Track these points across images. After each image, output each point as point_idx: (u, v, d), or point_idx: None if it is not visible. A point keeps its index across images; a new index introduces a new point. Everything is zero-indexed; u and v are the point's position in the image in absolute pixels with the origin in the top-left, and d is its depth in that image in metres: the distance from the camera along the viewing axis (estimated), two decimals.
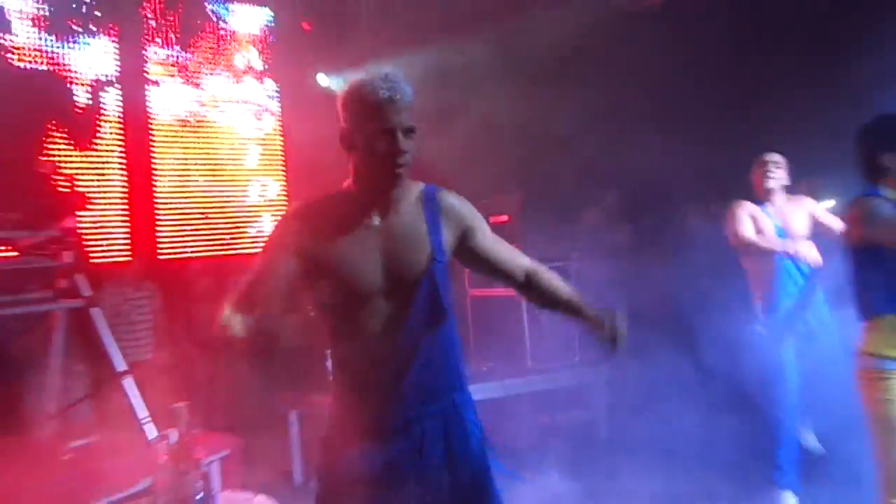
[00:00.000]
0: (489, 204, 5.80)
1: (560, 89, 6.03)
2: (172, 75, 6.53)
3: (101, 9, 6.03)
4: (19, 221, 4.35)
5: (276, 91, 7.21)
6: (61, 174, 5.48)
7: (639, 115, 5.68)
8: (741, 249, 4.17)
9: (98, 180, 5.97)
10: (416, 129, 1.90)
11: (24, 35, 5.60)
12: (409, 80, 1.93)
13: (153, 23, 6.39)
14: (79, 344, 4.63)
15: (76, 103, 5.84)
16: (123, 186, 6.15)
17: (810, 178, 4.41)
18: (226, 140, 6.88)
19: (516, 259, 2.12)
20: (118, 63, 6.14)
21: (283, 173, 7.22)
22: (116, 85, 6.13)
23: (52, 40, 5.74)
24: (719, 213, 4.27)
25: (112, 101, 6.11)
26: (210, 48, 6.78)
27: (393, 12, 7.01)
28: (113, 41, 6.12)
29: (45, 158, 5.46)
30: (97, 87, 6.00)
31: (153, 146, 6.39)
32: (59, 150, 5.70)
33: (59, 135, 5.71)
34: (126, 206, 6.16)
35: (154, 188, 6.37)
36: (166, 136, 6.50)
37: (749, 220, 4.06)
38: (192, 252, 6.51)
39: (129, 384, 4.21)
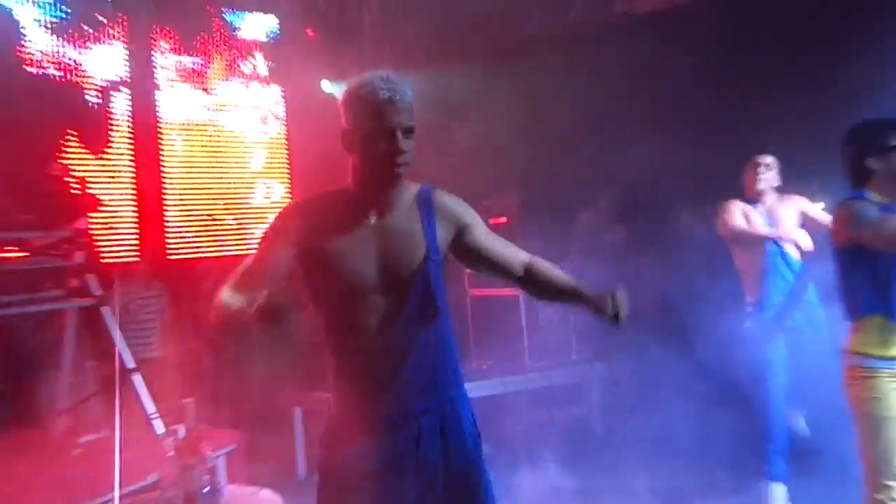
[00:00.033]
0: (488, 206, 5.80)
1: (558, 93, 6.04)
2: (181, 80, 6.54)
3: (112, 15, 6.04)
4: (32, 222, 4.36)
5: (281, 96, 7.22)
6: (73, 177, 5.49)
7: (636, 118, 5.68)
8: (732, 243, 4.18)
9: (108, 183, 5.97)
10: (415, 130, 1.89)
11: (40, 41, 5.61)
12: (411, 84, 1.93)
13: (163, 29, 6.40)
14: (89, 341, 4.64)
15: (89, 108, 5.85)
16: (133, 189, 6.16)
17: (802, 181, 4.41)
18: (232, 144, 6.89)
19: (513, 254, 2.11)
20: (129, 68, 6.15)
21: (288, 176, 7.23)
22: (127, 90, 6.14)
23: (66, 46, 5.74)
24: (713, 213, 4.27)
25: (122, 105, 6.12)
26: (218, 54, 6.79)
27: (395, 20, 7.02)
28: (124, 47, 6.12)
29: (58, 162, 5.46)
30: (108, 92, 6.01)
31: (162, 150, 6.39)
32: (71, 153, 5.70)
33: (72, 139, 5.71)
34: (135, 208, 6.16)
35: (163, 190, 6.38)
36: (175, 140, 6.51)
37: (740, 215, 4.08)
38: (199, 252, 6.52)
39: (137, 381, 4.23)
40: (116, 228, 6.00)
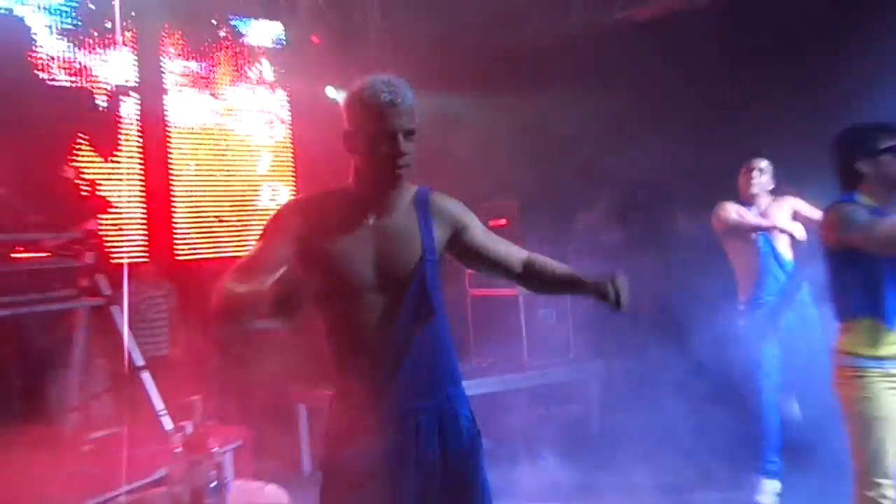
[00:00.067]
0: (489, 208, 5.81)
1: (559, 96, 6.04)
2: (189, 85, 6.55)
3: (121, 21, 6.04)
4: (44, 224, 4.36)
5: (287, 100, 7.22)
6: (83, 180, 5.50)
7: (634, 121, 5.68)
8: (726, 241, 4.18)
9: (118, 185, 5.97)
10: (416, 132, 1.89)
11: (51, 47, 5.62)
12: (413, 86, 1.93)
13: (172, 34, 6.40)
14: (99, 340, 4.65)
15: (99, 113, 5.86)
16: (142, 191, 6.16)
17: (799, 183, 4.41)
18: (239, 147, 6.89)
19: (512, 251, 2.10)
20: (137, 73, 6.15)
21: (293, 179, 7.24)
22: (136, 94, 6.14)
23: (77, 52, 5.75)
24: (710, 214, 4.28)
25: (131, 110, 6.13)
26: (226, 60, 6.79)
27: (398, 26, 7.02)
28: (133, 52, 6.13)
29: (69, 165, 5.47)
30: (118, 96, 6.01)
31: (170, 153, 6.40)
32: (81, 156, 5.71)
33: (82, 143, 5.72)
34: (144, 210, 6.17)
35: (171, 192, 6.38)
36: (183, 144, 6.51)
37: (735, 213, 4.09)
38: (206, 253, 6.52)
39: (146, 378, 4.23)
40: (125, 229, 6.00)
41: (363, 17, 7.04)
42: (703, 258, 4.57)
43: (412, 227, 1.95)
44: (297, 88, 7.12)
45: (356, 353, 1.94)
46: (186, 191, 6.50)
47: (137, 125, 6.15)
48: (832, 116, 3.08)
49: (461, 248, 2.05)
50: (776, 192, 4.15)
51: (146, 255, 6.08)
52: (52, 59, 5.63)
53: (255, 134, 7.00)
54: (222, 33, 6.74)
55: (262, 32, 7.01)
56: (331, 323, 1.97)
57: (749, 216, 4.06)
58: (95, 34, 5.86)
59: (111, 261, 5.44)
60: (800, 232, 3.96)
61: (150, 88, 6.22)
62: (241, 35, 6.86)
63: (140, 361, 4.27)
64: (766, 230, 4.01)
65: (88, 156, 5.76)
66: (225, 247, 6.64)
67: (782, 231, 3.98)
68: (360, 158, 1.92)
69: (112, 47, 5.98)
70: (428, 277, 1.93)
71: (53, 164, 5.30)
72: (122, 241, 5.93)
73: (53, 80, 5.61)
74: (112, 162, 5.93)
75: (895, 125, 2.76)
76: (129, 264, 5.76)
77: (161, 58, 6.34)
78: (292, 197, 7.04)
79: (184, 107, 6.49)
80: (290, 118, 7.23)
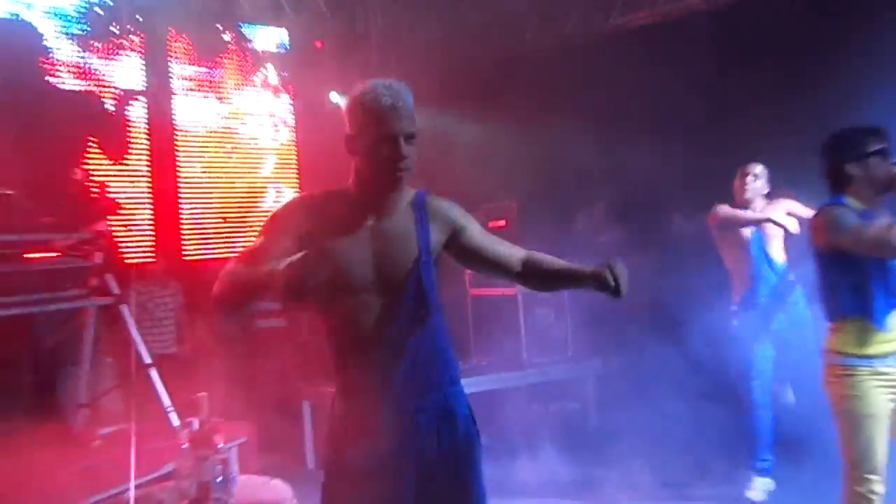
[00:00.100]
0: (488, 209, 5.82)
1: (557, 100, 6.05)
2: (196, 89, 6.56)
3: (131, 27, 6.06)
4: (54, 225, 4.37)
5: (291, 104, 7.23)
6: (93, 181, 5.51)
7: (631, 125, 5.69)
8: (721, 243, 4.17)
9: (127, 187, 5.99)
10: (416, 136, 1.88)
11: (62, 53, 5.63)
12: (414, 90, 1.93)
13: (179, 40, 6.42)
14: (108, 338, 4.65)
15: (109, 117, 5.88)
16: (150, 192, 6.17)
17: (792, 186, 4.41)
18: (244, 150, 6.91)
19: (510, 250, 2.07)
20: (146, 78, 6.17)
21: (297, 181, 7.25)
22: (144, 99, 6.16)
23: (88, 57, 5.76)
24: (704, 216, 4.28)
25: (140, 113, 6.14)
26: (232, 65, 6.80)
27: (399, 32, 7.03)
28: (141, 58, 6.14)
29: (79, 167, 5.48)
30: (127, 101, 6.03)
31: (178, 156, 6.41)
32: (92, 159, 5.72)
33: (92, 146, 5.73)
34: (152, 211, 6.18)
35: (178, 194, 6.39)
36: (190, 147, 6.52)
37: (729, 209, 4.09)
38: (212, 253, 6.53)
39: (154, 376, 4.23)
40: (134, 230, 6.01)
41: (365, 23, 7.05)
42: (699, 259, 4.57)
43: (410, 229, 1.94)
44: (302, 92, 7.13)
45: (355, 352, 1.93)
46: (193, 192, 6.51)
47: (146, 128, 6.16)
48: (826, 120, 3.08)
49: (459, 248, 2.04)
50: (772, 196, 4.14)
51: (154, 255, 6.09)
52: (63, 64, 5.64)
53: (260, 137, 7.01)
54: (228, 38, 6.75)
55: (268, 38, 7.02)
56: (330, 322, 1.96)
57: (742, 212, 4.06)
58: (104, 39, 5.87)
59: (120, 261, 5.45)
60: (793, 226, 3.93)
61: (158, 92, 6.24)
62: (247, 40, 6.87)
63: (148, 359, 4.27)
64: (761, 223, 4.00)
65: (98, 158, 5.77)
66: (231, 247, 6.65)
67: (776, 224, 3.97)
68: (360, 161, 1.91)
69: (121, 52, 6.00)
70: (424, 278, 1.92)
71: (64, 167, 5.31)
72: (130, 241, 5.94)
73: (64, 84, 5.62)
74: (121, 164, 5.94)
75: (883, 128, 2.76)
76: (138, 264, 5.79)
77: (169, 62, 6.35)
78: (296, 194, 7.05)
79: (191, 110, 6.50)
80: (294, 121, 7.24)
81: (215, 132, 6.68)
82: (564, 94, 6.02)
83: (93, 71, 5.82)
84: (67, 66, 5.67)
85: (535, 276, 2.07)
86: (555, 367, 5.58)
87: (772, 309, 4.01)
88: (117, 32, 5.94)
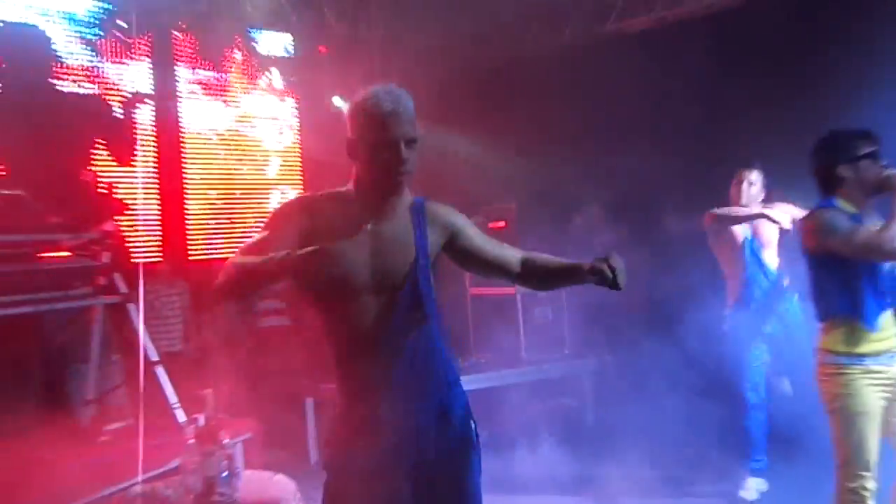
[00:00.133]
0: (488, 211, 5.82)
1: (555, 104, 6.05)
2: (202, 93, 6.55)
3: (140, 32, 6.05)
4: (63, 225, 4.37)
5: (295, 107, 7.23)
6: (102, 183, 5.51)
7: (627, 129, 5.69)
8: (715, 247, 4.16)
9: (134, 188, 5.99)
10: (417, 141, 1.88)
11: (71, 57, 5.63)
12: (414, 94, 1.92)
13: (186, 44, 6.41)
14: (115, 336, 4.64)
15: (116, 120, 5.87)
16: (157, 194, 6.17)
17: (785, 189, 4.39)
18: (250, 152, 6.91)
19: (508, 252, 2.07)
20: (153, 82, 6.16)
21: (301, 183, 7.24)
22: (151, 102, 6.15)
23: (96, 61, 5.76)
24: (699, 216, 4.27)
25: (147, 116, 6.13)
26: (238, 69, 6.80)
27: (401, 37, 7.03)
28: (149, 62, 6.14)
29: (88, 169, 5.48)
30: (134, 104, 6.02)
31: (184, 158, 6.41)
32: (100, 161, 5.72)
33: (101, 148, 5.73)
34: (159, 212, 6.18)
35: (184, 195, 6.39)
36: (196, 149, 6.52)
37: (723, 208, 4.08)
38: (218, 253, 6.53)
39: (160, 373, 4.23)
40: (142, 230, 6.01)
41: (368, 29, 7.05)
42: (694, 258, 4.57)
43: (407, 233, 1.93)
44: (306, 96, 7.13)
45: (353, 352, 1.92)
46: (199, 193, 6.51)
47: (153, 131, 6.16)
48: (821, 124, 3.06)
49: (457, 251, 2.03)
50: (768, 200, 4.11)
51: (161, 254, 6.08)
52: (73, 67, 5.64)
53: (265, 140, 7.01)
54: (234, 43, 6.75)
55: (273, 43, 7.02)
56: (328, 322, 1.95)
57: (736, 209, 4.04)
58: (113, 44, 5.87)
59: (128, 260, 5.44)
60: (787, 222, 3.91)
61: (165, 96, 6.24)
62: (253, 45, 6.87)
63: (155, 356, 4.27)
64: (754, 220, 3.98)
65: (106, 160, 5.77)
66: (235, 247, 6.64)
67: (770, 219, 3.95)
68: (362, 166, 1.91)
69: (129, 56, 6.00)
70: (421, 281, 1.92)
71: (73, 168, 5.30)
72: (138, 241, 5.94)
73: (73, 88, 5.62)
74: (128, 166, 5.94)
75: (874, 132, 2.75)
76: (145, 264, 5.78)
77: (175, 66, 6.35)
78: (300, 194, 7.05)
79: (197, 113, 6.50)
80: (298, 124, 7.23)
81: (221, 135, 6.68)
82: (563, 98, 6.02)
83: (102, 74, 5.82)
84: (77, 69, 5.67)
85: (533, 276, 2.07)
86: (553, 364, 5.58)
87: (765, 311, 4.00)
88: (126, 37, 5.93)
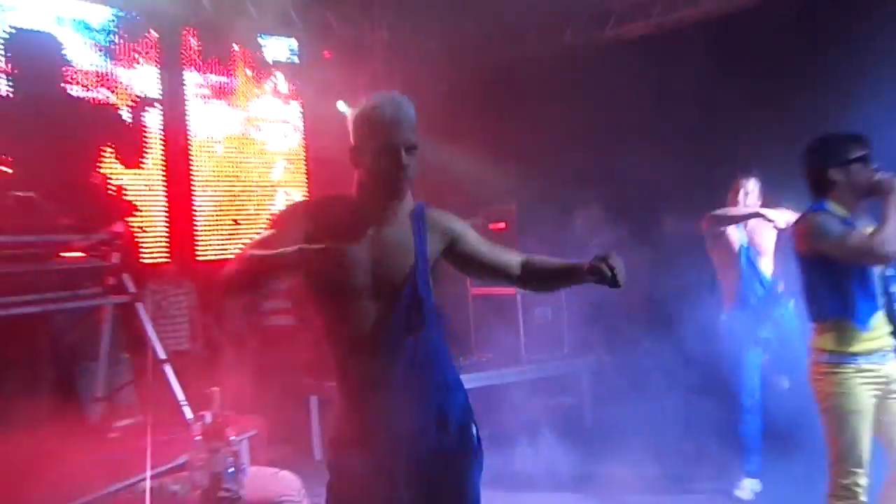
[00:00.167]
0: (489, 212, 5.83)
1: (554, 108, 6.05)
2: (209, 97, 6.57)
3: (148, 37, 6.07)
4: (74, 226, 4.38)
5: (300, 111, 7.24)
6: (111, 185, 5.53)
7: (625, 131, 5.70)
8: (712, 252, 4.15)
9: (143, 191, 6.00)
10: (417, 147, 1.88)
11: (82, 63, 5.65)
12: (417, 97, 1.93)
13: (193, 49, 6.43)
14: (124, 335, 4.66)
15: (126, 125, 5.89)
16: (165, 196, 6.18)
17: (779, 191, 4.38)
18: (256, 155, 6.92)
19: (508, 255, 2.07)
20: (161, 87, 6.18)
21: (306, 184, 7.25)
22: (160, 106, 6.17)
23: (106, 67, 5.77)
24: (696, 217, 4.26)
25: (155, 120, 6.15)
26: (244, 73, 6.81)
27: (404, 42, 7.03)
28: (157, 66, 6.15)
29: (98, 172, 5.50)
30: (144, 108, 6.04)
31: (191, 161, 6.42)
32: (110, 164, 5.73)
33: (110, 152, 5.75)
34: (167, 214, 6.19)
35: (192, 197, 6.40)
36: (203, 152, 6.53)
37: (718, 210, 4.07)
38: (225, 254, 6.54)
39: (168, 371, 4.24)
40: (150, 231, 6.02)
41: (372, 34, 7.05)
42: (691, 259, 4.57)
43: (407, 239, 1.93)
44: (310, 99, 7.14)
45: (352, 355, 1.92)
46: (206, 195, 6.52)
47: (161, 134, 6.17)
48: (817, 127, 3.06)
49: (457, 256, 2.03)
50: (764, 206, 4.09)
51: (168, 255, 6.09)
52: (84, 73, 5.65)
53: (270, 143, 7.01)
54: (241, 48, 6.76)
55: (278, 48, 7.03)
56: (328, 325, 1.95)
57: (732, 209, 4.04)
58: (123, 49, 5.88)
59: (136, 260, 5.46)
60: (782, 220, 3.89)
61: (173, 100, 6.25)
62: (259, 50, 6.88)
63: (162, 355, 4.28)
64: (750, 218, 3.98)
65: (115, 163, 5.78)
66: (242, 248, 6.65)
67: (765, 218, 3.95)
68: (364, 172, 1.91)
69: (138, 61, 6.01)
70: (420, 286, 1.92)
71: (83, 171, 5.32)
72: (146, 242, 5.95)
73: (84, 93, 5.63)
74: (137, 169, 5.96)
75: (865, 135, 2.75)
76: (153, 264, 5.80)
77: (183, 71, 6.36)
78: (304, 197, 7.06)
79: (204, 117, 6.51)
80: (303, 128, 7.24)
81: (228, 138, 6.69)
82: (562, 102, 6.02)
83: (112, 79, 5.83)
84: (88, 74, 5.68)
85: (533, 279, 2.06)
86: (552, 363, 5.58)
87: (760, 317, 3.99)
88: (135, 43, 5.95)
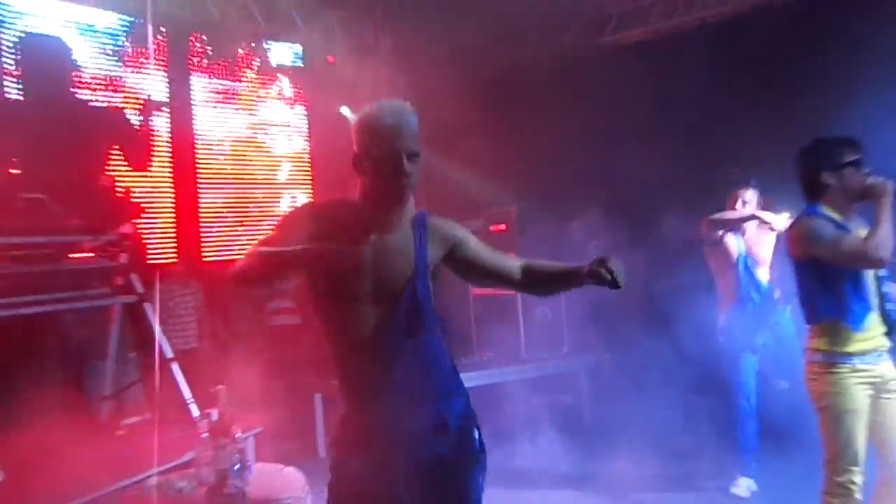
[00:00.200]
0: (489, 214, 5.83)
1: (554, 111, 6.05)
2: (216, 101, 6.57)
3: (156, 42, 6.07)
4: (83, 227, 4.38)
5: (305, 115, 7.25)
6: (119, 187, 5.53)
7: (623, 135, 5.69)
8: (710, 259, 4.14)
9: (151, 192, 6.00)
10: (419, 155, 1.88)
11: (94, 66, 5.65)
12: (419, 101, 1.92)
13: (201, 55, 6.43)
14: (132, 334, 4.66)
15: (135, 128, 5.90)
16: (172, 198, 6.19)
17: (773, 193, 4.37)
18: (261, 158, 6.92)
19: (508, 261, 2.07)
20: (169, 90, 6.18)
21: (310, 187, 7.26)
22: (167, 110, 6.17)
23: (114, 71, 5.78)
24: (693, 218, 4.25)
25: (163, 124, 6.15)
26: (249, 78, 6.82)
27: (407, 47, 7.03)
28: (164, 71, 6.16)
29: (106, 174, 5.50)
30: (152, 112, 6.04)
31: (198, 163, 6.42)
32: (118, 167, 5.73)
33: (119, 155, 5.75)
34: (174, 215, 6.19)
35: (198, 199, 6.41)
36: (210, 155, 6.54)
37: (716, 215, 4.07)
38: (231, 255, 6.54)
39: (175, 369, 4.24)
40: (157, 233, 6.03)
41: (374, 39, 7.06)
42: (689, 260, 4.57)
43: (408, 246, 1.93)
44: (315, 103, 7.14)
45: (352, 359, 1.92)
46: (212, 197, 6.52)
47: (168, 137, 6.18)
48: (813, 130, 3.06)
49: (458, 261, 2.02)
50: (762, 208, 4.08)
51: (175, 256, 6.10)
52: (93, 77, 5.66)
53: (275, 146, 7.02)
54: (247, 53, 6.76)
55: (283, 52, 7.04)
56: (329, 329, 1.95)
57: (728, 213, 4.03)
58: (131, 54, 5.89)
59: (144, 261, 5.46)
60: (778, 223, 3.88)
61: (180, 104, 6.25)
62: (264, 55, 6.89)
63: (169, 354, 4.29)
64: (747, 220, 3.97)
65: (124, 165, 5.79)
66: (247, 248, 6.65)
67: (761, 220, 3.93)
68: (366, 180, 1.91)
69: (146, 66, 6.02)
70: (419, 292, 1.91)
71: (92, 174, 5.33)
72: (153, 243, 5.95)
73: (93, 96, 5.64)
74: (145, 171, 5.96)
75: (858, 139, 2.74)
76: (160, 264, 5.80)
77: (190, 75, 6.37)
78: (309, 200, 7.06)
79: (210, 120, 6.52)
80: (307, 131, 7.25)
81: (234, 141, 6.69)
82: (562, 105, 6.03)
83: (120, 84, 5.84)
84: (97, 79, 5.69)
85: (534, 283, 2.07)
86: (552, 361, 5.58)
87: (757, 323, 3.98)
88: (143, 47, 5.95)
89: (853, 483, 2.61)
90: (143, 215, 5.75)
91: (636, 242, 5.57)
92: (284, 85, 7.07)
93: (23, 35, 5.24)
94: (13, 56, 5.15)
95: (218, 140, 6.57)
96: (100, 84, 5.71)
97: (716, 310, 4.17)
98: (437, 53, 6.74)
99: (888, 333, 2.69)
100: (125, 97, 5.86)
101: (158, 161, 6.07)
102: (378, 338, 1.88)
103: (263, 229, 6.70)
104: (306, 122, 7.24)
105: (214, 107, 6.54)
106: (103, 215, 4.77)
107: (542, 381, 5.63)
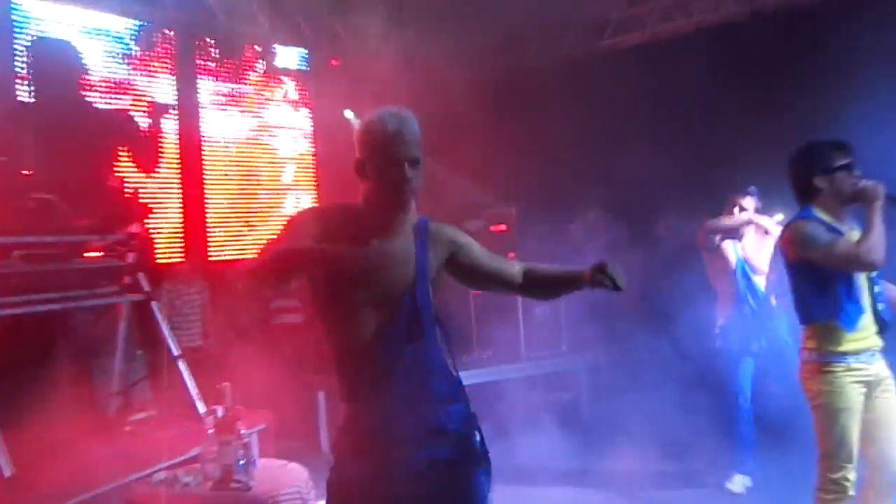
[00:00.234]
0: (490, 215, 5.82)
1: (554, 114, 6.05)
2: (222, 104, 6.58)
3: (164, 47, 6.08)
4: (91, 227, 4.39)
5: (310, 117, 7.25)
6: (128, 188, 5.53)
7: (622, 137, 5.69)
8: (708, 265, 4.14)
9: (158, 193, 6.01)
10: (421, 161, 1.87)
11: (99, 70, 5.66)
12: (421, 103, 1.92)
13: (207, 57, 6.44)
14: (139, 332, 4.66)
15: (142, 131, 5.90)
16: (179, 198, 6.19)
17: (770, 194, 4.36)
18: (266, 159, 6.92)
19: (508, 266, 2.06)
20: (176, 93, 6.19)
21: (315, 188, 7.26)
22: (174, 112, 6.18)
23: (123, 74, 5.78)
24: (691, 220, 4.25)
25: (170, 125, 6.16)
26: (255, 81, 6.82)
27: (409, 51, 7.03)
28: (172, 74, 6.16)
29: (114, 175, 5.51)
30: (160, 114, 6.04)
31: (205, 165, 6.43)
32: (126, 168, 5.74)
33: (127, 156, 5.75)
34: (181, 215, 6.20)
35: (205, 200, 6.41)
36: (216, 156, 6.54)
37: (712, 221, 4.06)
38: (236, 254, 6.54)
39: (182, 367, 4.25)
40: (164, 232, 6.03)
41: (377, 43, 7.05)
42: (687, 260, 4.56)
43: (409, 251, 1.92)
44: (319, 106, 7.15)
45: (352, 363, 1.91)
46: (218, 198, 6.53)
47: (176, 139, 6.18)
48: (810, 133, 3.05)
49: (458, 266, 2.01)
50: (761, 211, 4.07)
51: (182, 255, 6.10)
52: (102, 80, 5.67)
53: (281, 148, 7.02)
54: (253, 57, 6.77)
55: (288, 56, 7.04)
56: (329, 332, 1.94)
57: (724, 219, 4.02)
58: (140, 57, 5.90)
59: (152, 260, 5.46)
60: (774, 228, 3.88)
61: (188, 106, 6.26)
62: (270, 58, 6.89)
63: (176, 351, 4.29)
64: (743, 225, 3.96)
65: (132, 166, 5.79)
66: (252, 249, 6.66)
67: (757, 225, 3.93)
68: (369, 185, 1.90)
69: (154, 69, 6.02)
70: (419, 297, 1.89)
71: (101, 174, 5.33)
72: (160, 242, 5.96)
73: (102, 99, 5.64)
74: (153, 173, 5.97)
75: (849, 143, 2.73)
76: (167, 264, 5.80)
77: (198, 79, 6.37)
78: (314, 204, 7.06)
79: (217, 123, 6.52)
80: (312, 133, 7.25)
81: (240, 143, 6.70)
82: (562, 108, 6.03)
83: (129, 87, 5.85)
84: (106, 82, 5.69)
85: (535, 287, 2.06)
86: (551, 360, 5.58)
87: (754, 331, 3.97)
88: (151, 52, 5.96)
89: (847, 480, 2.61)
90: (150, 215, 5.75)
91: (635, 242, 5.57)
92: (290, 88, 7.08)
93: (34, 39, 5.25)
94: (24, 60, 5.16)
95: (224, 142, 6.58)
96: (109, 87, 5.71)
97: (713, 308, 4.17)
98: (440, 57, 6.74)
99: (880, 332, 2.68)
100: (134, 100, 5.87)
101: (166, 162, 6.08)
102: (378, 342, 1.87)
103: (268, 230, 6.71)
104: (311, 124, 7.24)
105: (221, 109, 6.55)
106: (112, 215, 4.77)
107: (541, 379, 5.63)
